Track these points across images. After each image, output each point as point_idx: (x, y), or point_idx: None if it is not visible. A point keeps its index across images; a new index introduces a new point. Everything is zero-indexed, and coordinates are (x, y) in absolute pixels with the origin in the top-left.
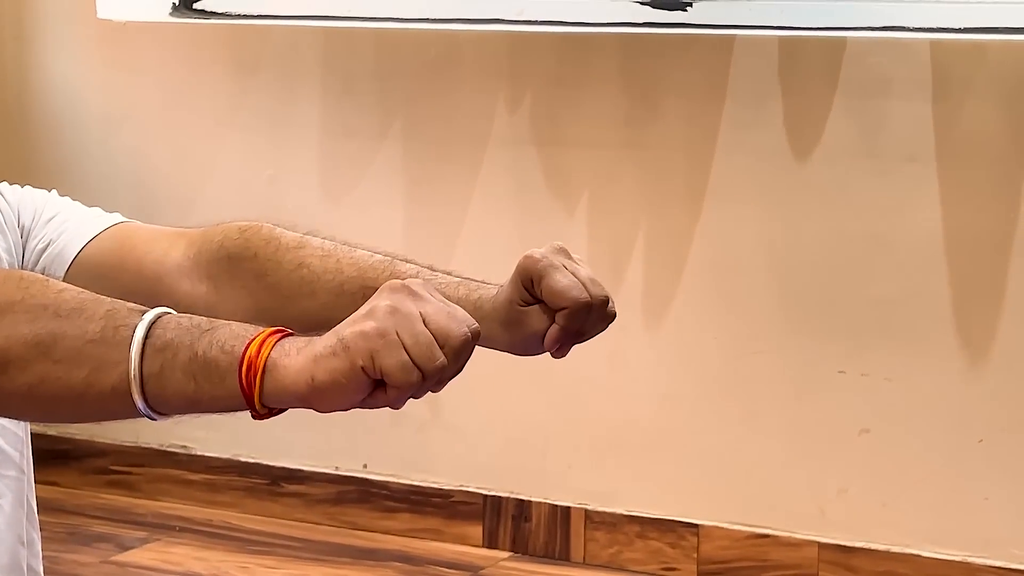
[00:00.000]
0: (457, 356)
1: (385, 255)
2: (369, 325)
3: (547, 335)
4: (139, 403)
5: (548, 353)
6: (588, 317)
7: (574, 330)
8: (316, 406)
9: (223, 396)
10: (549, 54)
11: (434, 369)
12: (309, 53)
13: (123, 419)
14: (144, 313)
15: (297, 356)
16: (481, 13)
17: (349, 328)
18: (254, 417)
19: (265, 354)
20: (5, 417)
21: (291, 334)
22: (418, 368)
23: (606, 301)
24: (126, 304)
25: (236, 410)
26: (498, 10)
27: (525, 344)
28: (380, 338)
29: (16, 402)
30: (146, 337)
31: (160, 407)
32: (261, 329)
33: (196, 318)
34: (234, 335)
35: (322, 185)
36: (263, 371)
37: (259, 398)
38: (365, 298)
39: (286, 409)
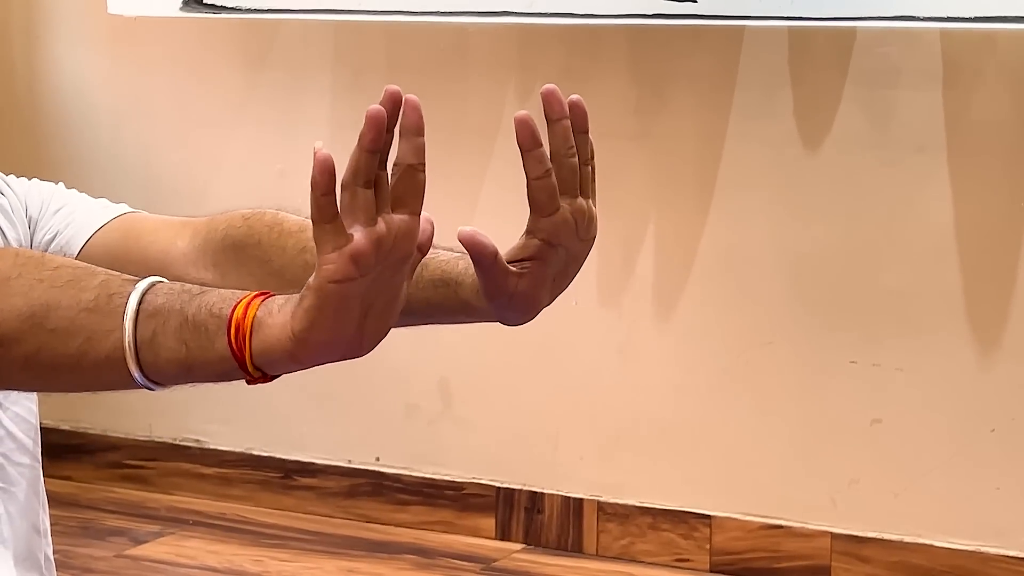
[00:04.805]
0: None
1: None
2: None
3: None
4: (134, 371)
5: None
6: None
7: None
8: (305, 358)
9: (215, 360)
10: (559, 46)
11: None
12: (319, 47)
13: (121, 389)
14: (137, 282)
15: (279, 313)
16: (491, 5)
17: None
18: (248, 382)
19: (252, 314)
20: (6, 389)
21: (275, 295)
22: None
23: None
24: (120, 275)
25: (231, 377)
26: (508, 2)
27: (510, 304)
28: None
29: (15, 373)
30: (139, 304)
31: (155, 375)
32: (248, 292)
33: (188, 284)
34: (222, 298)
35: None
36: (251, 331)
37: (250, 360)
38: None
39: (279, 375)
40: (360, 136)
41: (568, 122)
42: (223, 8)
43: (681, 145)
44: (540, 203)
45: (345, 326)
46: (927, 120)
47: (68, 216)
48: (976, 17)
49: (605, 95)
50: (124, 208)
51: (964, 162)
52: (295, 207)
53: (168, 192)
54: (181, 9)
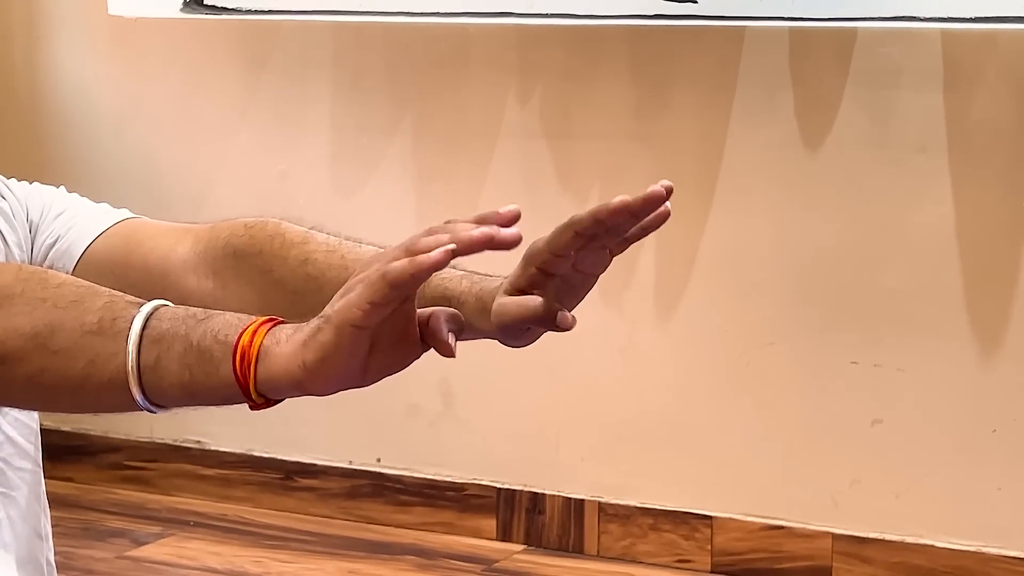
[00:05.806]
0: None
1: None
2: (343, 298)
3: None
4: (136, 395)
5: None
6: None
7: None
8: (312, 389)
9: (219, 386)
10: (559, 47)
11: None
12: (319, 48)
13: (124, 411)
14: (142, 305)
15: (287, 343)
16: (491, 5)
17: (329, 306)
18: (251, 408)
19: (258, 343)
20: (8, 407)
21: (283, 322)
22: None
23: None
24: (124, 296)
25: (233, 401)
26: (508, 2)
27: (520, 331)
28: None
29: (17, 393)
30: (143, 328)
31: (158, 399)
32: (254, 318)
33: (192, 308)
34: (228, 324)
35: (333, 180)
36: (256, 359)
37: (254, 387)
38: None
39: (282, 399)
40: (458, 241)
41: (629, 224)
42: (223, 9)
43: (682, 146)
44: (555, 260)
45: (353, 362)
46: (928, 120)
47: (69, 221)
48: (977, 17)
49: (605, 96)
50: (125, 213)
51: (965, 162)
52: (296, 207)
53: (170, 192)
54: (181, 10)
